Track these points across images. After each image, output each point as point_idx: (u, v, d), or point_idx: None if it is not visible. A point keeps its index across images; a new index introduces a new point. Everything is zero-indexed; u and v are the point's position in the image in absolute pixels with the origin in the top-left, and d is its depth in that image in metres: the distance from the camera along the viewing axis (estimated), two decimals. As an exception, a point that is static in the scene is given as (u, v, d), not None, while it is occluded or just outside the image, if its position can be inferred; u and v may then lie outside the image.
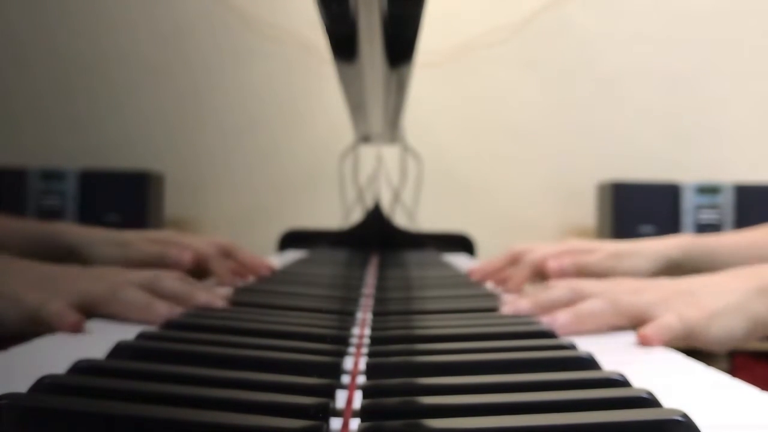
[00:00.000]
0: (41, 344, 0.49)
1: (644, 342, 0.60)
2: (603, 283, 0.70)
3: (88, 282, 0.66)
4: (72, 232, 0.91)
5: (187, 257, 0.86)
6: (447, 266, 1.19)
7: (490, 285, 0.92)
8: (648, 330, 0.60)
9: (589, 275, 0.82)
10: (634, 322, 0.65)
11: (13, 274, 0.66)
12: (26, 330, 0.63)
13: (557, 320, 0.62)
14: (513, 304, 0.67)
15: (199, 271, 0.87)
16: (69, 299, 0.62)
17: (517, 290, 0.87)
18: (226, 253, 0.91)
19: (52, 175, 2.32)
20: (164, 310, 0.61)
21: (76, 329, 0.59)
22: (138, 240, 0.90)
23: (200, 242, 0.90)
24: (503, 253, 0.96)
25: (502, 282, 0.93)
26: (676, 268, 0.88)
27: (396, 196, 1.80)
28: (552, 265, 0.86)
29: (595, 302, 0.64)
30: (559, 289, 0.68)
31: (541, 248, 0.91)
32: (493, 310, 0.65)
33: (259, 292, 0.75)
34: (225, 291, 0.72)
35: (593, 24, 2.58)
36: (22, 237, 0.89)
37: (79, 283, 0.66)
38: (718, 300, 0.64)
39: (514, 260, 0.94)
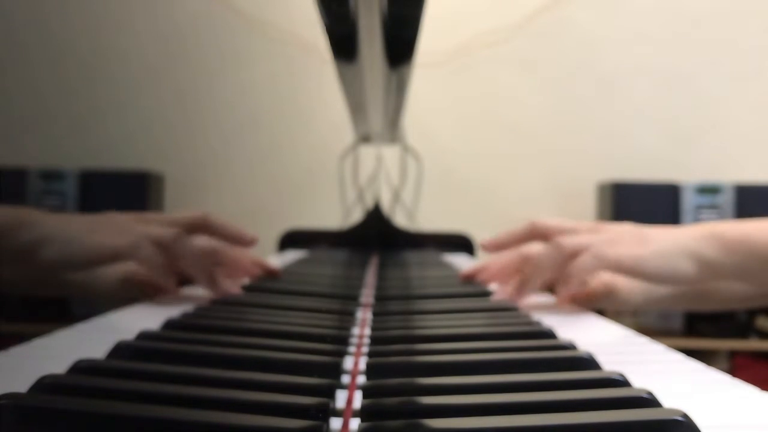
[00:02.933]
0: (41, 344, 0.49)
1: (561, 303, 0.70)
2: (559, 223, 0.76)
3: (146, 225, 0.70)
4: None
5: None
6: (447, 266, 1.19)
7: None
8: (564, 297, 0.70)
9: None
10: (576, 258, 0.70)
11: (62, 220, 0.68)
12: (86, 280, 0.66)
13: (518, 283, 0.70)
14: (513, 289, 0.73)
15: None
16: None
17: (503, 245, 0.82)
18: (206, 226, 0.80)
19: (52, 175, 2.32)
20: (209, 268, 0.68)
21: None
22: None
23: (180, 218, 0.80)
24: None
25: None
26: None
27: (396, 196, 1.80)
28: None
29: (544, 248, 0.70)
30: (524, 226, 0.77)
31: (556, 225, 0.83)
32: (493, 310, 0.66)
33: (259, 292, 0.75)
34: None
35: (593, 24, 2.58)
36: None
37: (139, 226, 0.69)
38: (665, 241, 0.69)
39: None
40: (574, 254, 0.70)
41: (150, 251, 0.67)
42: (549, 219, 0.78)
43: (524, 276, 0.71)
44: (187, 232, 0.72)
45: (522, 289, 0.71)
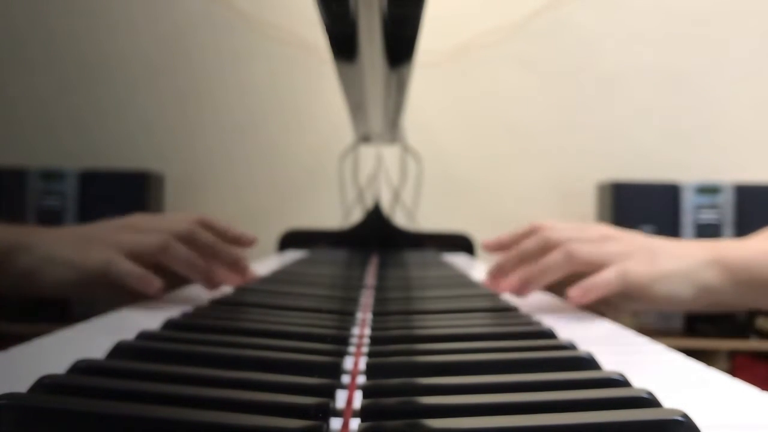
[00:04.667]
0: (41, 344, 0.49)
1: (571, 302, 0.68)
2: (571, 231, 0.74)
3: (137, 236, 0.69)
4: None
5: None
6: (447, 266, 1.18)
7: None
8: (575, 291, 0.67)
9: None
10: (591, 270, 0.70)
11: (59, 239, 0.68)
12: (85, 293, 0.66)
13: (523, 276, 0.70)
14: (498, 263, 0.75)
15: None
16: (123, 253, 0.66)
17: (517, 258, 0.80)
18: (206, 226, 0.81)
19: (52, 175, 2.32)
20: (204, 267, 0.69)
21: (155, 291, 0.65)
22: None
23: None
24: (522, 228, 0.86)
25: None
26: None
27: (396, 196, 1.80)
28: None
29: (555, 254, 0.70)
30: (532, 238, 0.75)
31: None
32: (494, 310, 0.65)
33: (259, 292, 0.75)
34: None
35: (593, 23, 2.58)
36: None
37: (128, 237, 0.69)
38: (672, 262, 0.68)
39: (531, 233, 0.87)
40: (586, 265, 0.70)
41: (179, 250, 0.69)
42: (557, 226, 0.76)
43: (530, 274, 0.71)
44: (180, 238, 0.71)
45: (525, 287, 0.72)
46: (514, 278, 0.73)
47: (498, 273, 0.77)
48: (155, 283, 0.67)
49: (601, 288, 0.67)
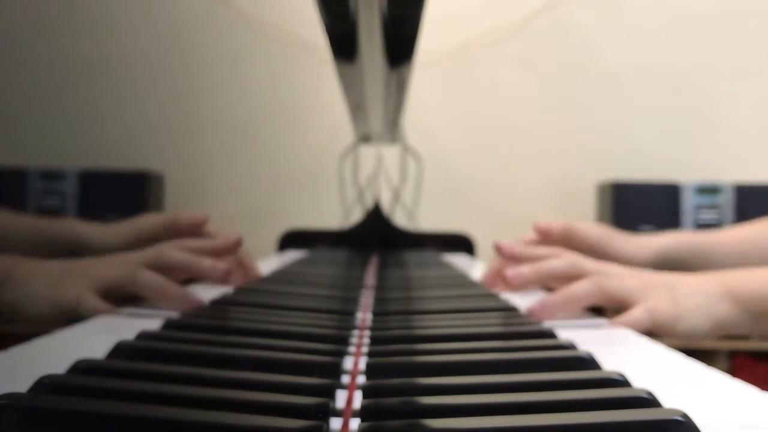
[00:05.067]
0: (41, 344, 0.49)
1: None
2: (597, 264, 0.75)
3: (107, 269, 0.71)
4: (81, 226, 0.99)
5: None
6: (447, 266, 1.18)
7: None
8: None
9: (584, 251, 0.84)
10: (615, 305, 0.71)
11: (39, 273, 0.70)
12: (60, 320, 0.67)
13: (548, 302, 0.68)
14: (515, 269, 0.75)
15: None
16: (94, 287, 0.68)
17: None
18: (180, 227, 0.91)
19: (52, 175, 2.32)
20: (177, 292, 0.68)
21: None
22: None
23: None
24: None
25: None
26: (671, 262, 0.91)
27: (396, 196, 1.80)
28: (510, 275, 0.77)
29: (584, 285, 0.70)
30: (560, 260, 0.75)
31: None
32: (493, 310, 0.65)
33: (259, 292, 0.75)
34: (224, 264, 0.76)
35: (593, 23, 2.58)
36: (31, 233, 0.94)
37: (100, 270, 0.70)
38: (690, 298, 0.70)
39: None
40: (613, 300, 0.71)
41: (148, 277, 0.69)
42: (574, 255, 0.76)
43: (554, 304, 0.70)
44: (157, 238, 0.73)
45: (552, 311, 0.70)
46: (536, 305, 0.71)
47: (517, 280, 0.76)
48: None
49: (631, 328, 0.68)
